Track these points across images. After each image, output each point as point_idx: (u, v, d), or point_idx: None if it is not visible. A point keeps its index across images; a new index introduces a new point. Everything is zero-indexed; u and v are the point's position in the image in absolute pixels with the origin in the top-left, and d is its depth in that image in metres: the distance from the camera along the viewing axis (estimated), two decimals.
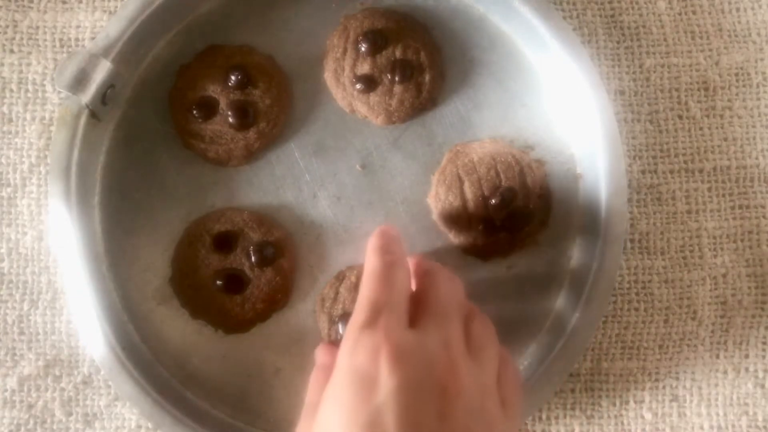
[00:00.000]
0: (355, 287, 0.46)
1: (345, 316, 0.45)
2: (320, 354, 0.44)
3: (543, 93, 0.48)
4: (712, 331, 0.49)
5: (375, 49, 0.47)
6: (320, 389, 0.37)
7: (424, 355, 0.36)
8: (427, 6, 0.49)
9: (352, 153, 0.48)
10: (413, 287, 0.41)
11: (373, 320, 0.37)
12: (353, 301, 0.45)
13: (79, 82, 0.44)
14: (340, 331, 0.45)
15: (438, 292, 0.39)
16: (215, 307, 0.46)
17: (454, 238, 0.47)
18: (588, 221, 0.47)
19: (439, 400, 0.35)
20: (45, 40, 0.49)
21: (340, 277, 0.47)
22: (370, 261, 0.40)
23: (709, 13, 0.50)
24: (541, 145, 0.48)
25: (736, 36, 0.50)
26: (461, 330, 0.38)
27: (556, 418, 0.48)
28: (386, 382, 0.34)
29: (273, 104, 0.47)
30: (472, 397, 0.36)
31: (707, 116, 0.49)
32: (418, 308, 0.38)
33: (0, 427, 0.47)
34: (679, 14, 0.50)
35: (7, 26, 0.49)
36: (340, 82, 0.47)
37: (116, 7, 0.49)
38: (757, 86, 0.50)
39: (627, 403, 0.48)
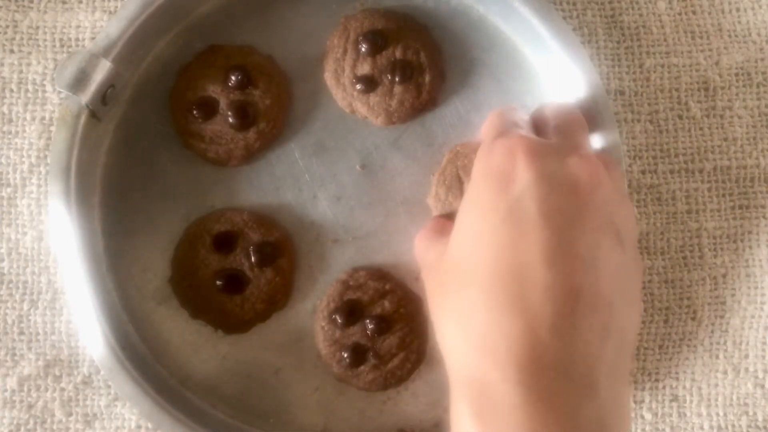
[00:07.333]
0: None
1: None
2: (431, 221, 0.46)
3: (543, 93, 0.48)
4: (712, 332, 0.49)
5: (375, 49, 0.47)
6: (430, 242, 0.43)
7: (557, 154, 0.38)
8: (427, 6, 0.49)
9: (352, 153, 0.48)
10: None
11: (505, 131, 0.39)
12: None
13: (79, 82, 0.44)
14: None
15: (562, 117, 0.42)
16: (215, 308, 0.46)
17: None
18: None
19: (574, 191, 0.36)
20: (45, 40, 0.49)
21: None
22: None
23: (709, 13, 0.50)
24: None
25: (736, 36, 0.50)
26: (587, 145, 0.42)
27: None
28: (523, 174, 0.36)
29: (273, 104, 0.47)
30: (605, 191, 0.37)
31: (707, 116, 0.49)
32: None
33: (0, 427, 0.47)
34: (679, 14, 0.50)
35: (7, 26, 0.49)
36: (340, 82, 0.47)
37: (116, 7, 0.49)
38: (758, 86, 0.50)
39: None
